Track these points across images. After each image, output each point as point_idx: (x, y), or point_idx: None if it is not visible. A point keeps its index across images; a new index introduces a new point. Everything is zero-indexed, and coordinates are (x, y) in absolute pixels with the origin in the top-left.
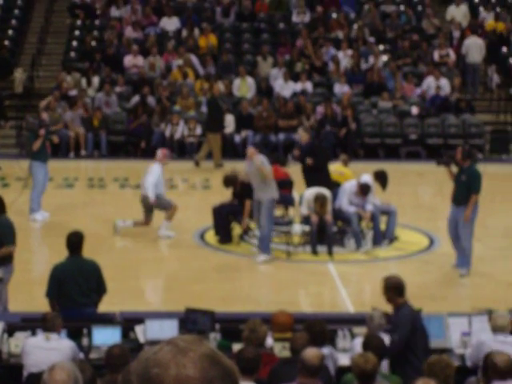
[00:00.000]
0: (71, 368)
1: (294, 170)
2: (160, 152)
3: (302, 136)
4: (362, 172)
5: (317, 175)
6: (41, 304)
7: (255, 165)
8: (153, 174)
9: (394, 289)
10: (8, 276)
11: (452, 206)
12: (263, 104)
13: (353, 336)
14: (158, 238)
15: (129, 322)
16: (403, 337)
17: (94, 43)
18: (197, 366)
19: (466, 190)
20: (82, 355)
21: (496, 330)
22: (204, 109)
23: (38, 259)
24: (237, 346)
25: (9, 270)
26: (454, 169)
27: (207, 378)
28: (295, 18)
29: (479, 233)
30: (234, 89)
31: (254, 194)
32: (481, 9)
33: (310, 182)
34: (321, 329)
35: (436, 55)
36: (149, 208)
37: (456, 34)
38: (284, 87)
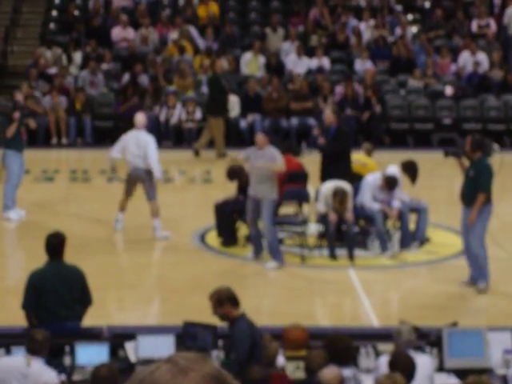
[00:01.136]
0: None
1: (309, 161)
2: (141, 118)
3: (328, 117)
4: (388, 163)
5: (335, 164)
6: (16, 317)
7: (268, 155)
8: (153, 146)
9: (228, 300)
10: None
11: (462, 206)
12: (273, 83)
13: (377, 354)
14: (154, 240)
15: (118, 338)
16: (243, 355)
17: (76, 13)
18: None
19: (473, 188)
20: (63, 377)
21: None
22: (204, 89)
23: (13, 265)
24: None
25: None
26: (466, 162)
27: None
28: None
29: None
30: (242, 65)
31: (253, 190)
32: None
33: (326, 173)
34: (345, 346)
35: (474, 26)
36: (135, 182)
37: (497, 0)
38: (297, 64)
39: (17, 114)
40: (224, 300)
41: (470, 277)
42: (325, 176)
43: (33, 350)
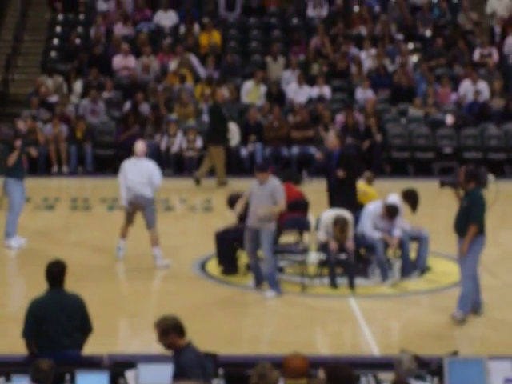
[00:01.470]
0: None
1: (310, 190)
2: (141, 146)
3: (331, 142)
4: (389, 191)
5: (345, 191)
6: (17, 345)
7: (269, 188)
8: (158, 172)
9: (174, 329)
10: None
11: (456, 236)
12: (274, 112)
13: (378, 383)
14: (155, 268)
15: (118, 367)
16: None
17: (78, 41)
18: None
19: (465, 219)
20: None
21: None
22: (205, 118)
23: (14, 293)
24: None
25: None
26: (463, 192)
27: None
28: (311, 12)
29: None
30: (243, 93)
31: (252, 220)
32: None
33: (335, 199)
34: (346, 375)
35: (477, 55)
36: (135, 210)
37: (498, 30)
38: (298, 92)
39: (18, 143)
40: (169, 329)
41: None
42: (333, 202)
43: (38, 380)
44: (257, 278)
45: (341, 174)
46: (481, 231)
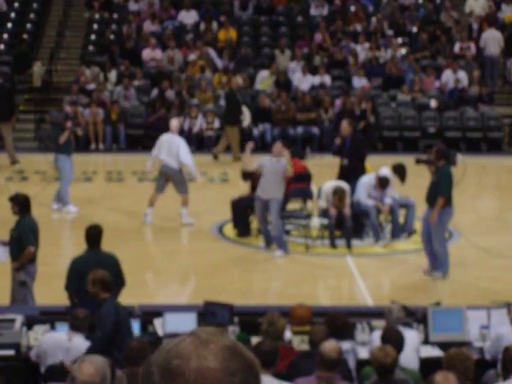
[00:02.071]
0: (100, 363)
1: (313, 164)
2: (176, 123)
3: (344, 129)
4: (381, 165)
5: (352, 174)
6: (60, 297)
7: (282, 163)
8: (184, 148)
9: (100, 283)
10: (30, 279)
11: (426, 206)
12: (282, 97)
13: (371, 329)
14: (179, 231)
15: (148, 316)
16: (106, 332)
17: (112, 37)
18: (218, 357)
19: (435, 192)
20: None
21: None
22: (222, 102)
23: (58, 252)
24: (255, 339)
25: (31, 271)
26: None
27: (228, 370)
28: (313, 11)
29: (498, 226)
30: (258, 81)
31: (262, 191)
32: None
33: (347, 176)
34: (342, 322)
35: (457, 48)
36: (166, 179)
37: (475, 26)
38: (302, 80)
39: (68, 124)
40: (97, 282)
41: (428, 267)
42: (346, 177)
43: (75, 327)
44: (266, 239)
45: (346, 162)
46: (448, 203)
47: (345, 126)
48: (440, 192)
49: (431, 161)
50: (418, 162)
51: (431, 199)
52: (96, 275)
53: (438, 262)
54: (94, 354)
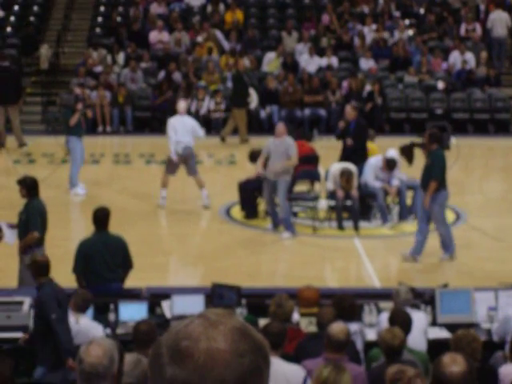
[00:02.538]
0: (108, 345)
1: (320, 146)
2: (183, 104)
3: (349, 113)
4: (388, 147)
5: (356, 155)
6: (68, 280)
7: (286, 144)
8: (197, 124)
9: (39, 269)
10: None
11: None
12: (289, 79)
13: (379, 311)
14: (186, 213)
15: (155, 298)
16: (56, 311)
17: (119, 19)
18: (227, 339)
19: (428, 175)
20: (109, 330)
21: None
22: (229, 84)
23: (65, 235)
24: (263, 321)
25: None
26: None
27: (237, 351)
28: None
29: (505, 207)
30: (265, 62)
31: (270, 172)
32: None
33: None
34: (350, 304)
35: (463, 30)
36: (184, 161)
37: (482, 7)
38: (309, 62)
39: (79, 106)
40: (37, 268)
41: (410, 251)
42: (347, 158)
43: (79, 308)
44: (274, 221)
45: (349, 142)
46: (442, 186)
47: (349, 110)
48: (432, 176)
49: (424, 144)
50: (414, 145)
51: (425, 183)
52: (37, 262)
53: (444, 245)
54: (68, 336)
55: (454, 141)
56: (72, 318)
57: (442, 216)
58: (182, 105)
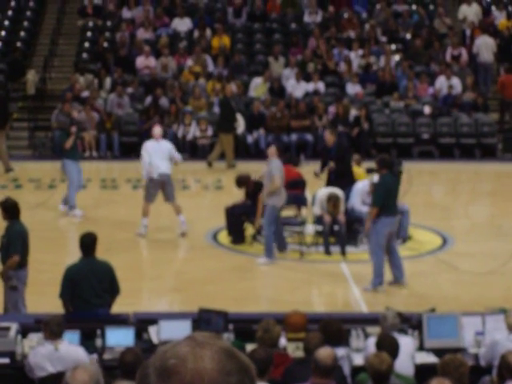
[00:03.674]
0: (94, 370)
1: (307, 170)
2: (158, 129)
3: (328, 139)
4: (375, 172)
5: (342, 180)
6: (55, 305)
7: (269, 166)
8: (174, 149)
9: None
10: (21, 284)
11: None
12: (279, 105)
13: (366, 335)
14: (172, 240)
15: (142, 323)
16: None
17: (105, 44)
18: (214, 358)
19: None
20: (95, 356)
21: (511, 329)
22: (216, 109)
23: (52, 259)
24: (250, 347)
25: (22, 276)
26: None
27: (225, 370)
28: (307, 18)
29: (492, 232)
30: (252, 88)
31: (264, 198)
32: (493, 8)
33: (335, 182)
34: (337, 328)
35: (449, 55)
36: (161, 187)
37: (468, 32)
38: (296, 87)
39: (74, 129)
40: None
41: (393, 278)
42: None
43: (55, 334)
44: (279, 245)
45: (331, 165)
46: (385, 213)
47: (328, 135)
48: (372, 202)
49: (375, 170)
50: (369, 171)
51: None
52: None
53: (373, 273)
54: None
55: (406, 166)
56: (50, 347)
57: (377, 244)
58: (157, 130)
